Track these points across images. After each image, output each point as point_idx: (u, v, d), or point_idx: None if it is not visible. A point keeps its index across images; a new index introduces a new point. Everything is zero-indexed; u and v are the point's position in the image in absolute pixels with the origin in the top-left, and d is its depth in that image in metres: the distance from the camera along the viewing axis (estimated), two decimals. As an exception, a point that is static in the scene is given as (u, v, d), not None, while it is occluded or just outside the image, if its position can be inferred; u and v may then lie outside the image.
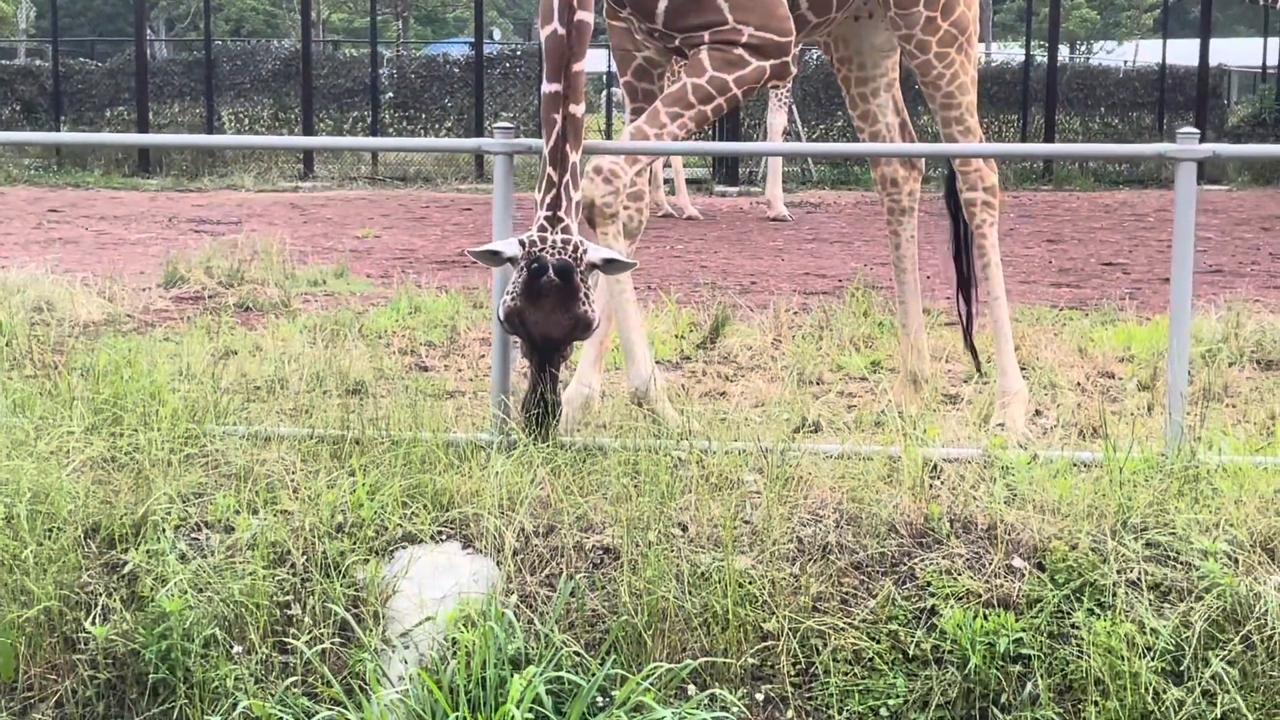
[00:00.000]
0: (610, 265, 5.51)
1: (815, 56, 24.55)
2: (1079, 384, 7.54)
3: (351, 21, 62.89)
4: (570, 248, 5.37)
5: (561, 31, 5.46)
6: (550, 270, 5.23)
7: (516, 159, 5.80)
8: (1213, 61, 25.10)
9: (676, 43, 6.05)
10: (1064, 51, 27.32)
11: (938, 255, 9.83)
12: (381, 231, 15.42)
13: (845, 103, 7.25)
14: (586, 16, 5.54)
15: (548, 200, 5.41)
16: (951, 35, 6.58)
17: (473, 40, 27.59)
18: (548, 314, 5.31)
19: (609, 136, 28.63)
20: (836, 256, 13.79)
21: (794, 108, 22.07)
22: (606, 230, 5.82)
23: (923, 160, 7.27)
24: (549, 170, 5.44)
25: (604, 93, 42.12)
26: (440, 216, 17.23)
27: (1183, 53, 26.76)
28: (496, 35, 60.91)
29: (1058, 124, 24.33)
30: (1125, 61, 37.99)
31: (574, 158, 5.47)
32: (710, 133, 17.15)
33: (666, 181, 18.99)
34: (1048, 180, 22.70)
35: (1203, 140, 5.35)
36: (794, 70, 17.74)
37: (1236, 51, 35.09)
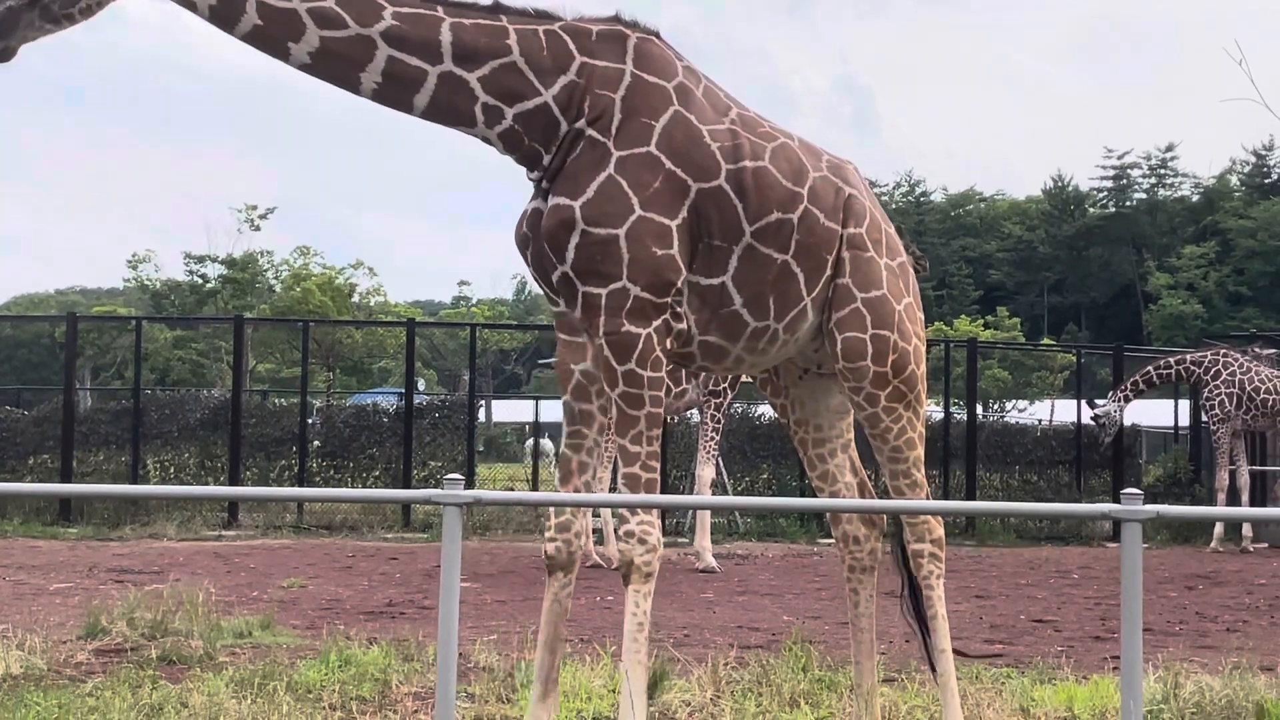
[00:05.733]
0: None
1: (738, 410, 25.04)
2: (1025, 744, 7.44)
3: (279, 371, 63.68)
4: None
5: None
6: None
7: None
8: (1126, 422, 25.82)
9: (579, 301, 6.01)
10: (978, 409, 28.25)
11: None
12: (308, 581, 15.19)
13: (804, 464, 7.31)
14: None
15: None
16: (900, 391, 6.72)
17: (401, 390, 27.84)
18: None
19: (535, 485, 28.83)
20: (768, 609, 13.72)
21: (721, 460, 22.35)
22: (640, 588, 5.77)
23: (884, 518, 7.33)
24: None
25: (528, 441, 42.72)
26: (367, 565, 17.05)
27: (1096, 411, 27.51)
28: (421, 385, 61.75)
29: (979, 480, 24.77)
30: (1040, 420, 39.05)
31: None
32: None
33: (595, 531, 18.94)
34: (971, 535, 22.95)
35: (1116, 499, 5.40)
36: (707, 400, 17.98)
37: (1147, 412, 36.18)
